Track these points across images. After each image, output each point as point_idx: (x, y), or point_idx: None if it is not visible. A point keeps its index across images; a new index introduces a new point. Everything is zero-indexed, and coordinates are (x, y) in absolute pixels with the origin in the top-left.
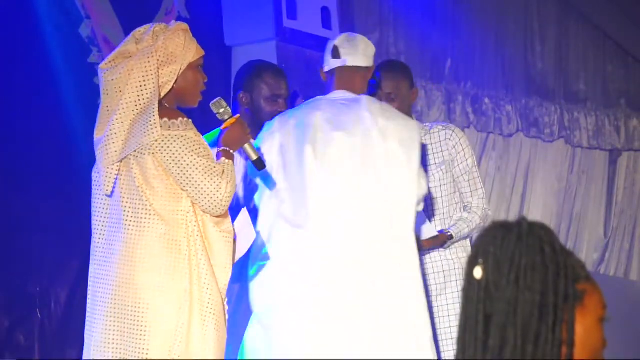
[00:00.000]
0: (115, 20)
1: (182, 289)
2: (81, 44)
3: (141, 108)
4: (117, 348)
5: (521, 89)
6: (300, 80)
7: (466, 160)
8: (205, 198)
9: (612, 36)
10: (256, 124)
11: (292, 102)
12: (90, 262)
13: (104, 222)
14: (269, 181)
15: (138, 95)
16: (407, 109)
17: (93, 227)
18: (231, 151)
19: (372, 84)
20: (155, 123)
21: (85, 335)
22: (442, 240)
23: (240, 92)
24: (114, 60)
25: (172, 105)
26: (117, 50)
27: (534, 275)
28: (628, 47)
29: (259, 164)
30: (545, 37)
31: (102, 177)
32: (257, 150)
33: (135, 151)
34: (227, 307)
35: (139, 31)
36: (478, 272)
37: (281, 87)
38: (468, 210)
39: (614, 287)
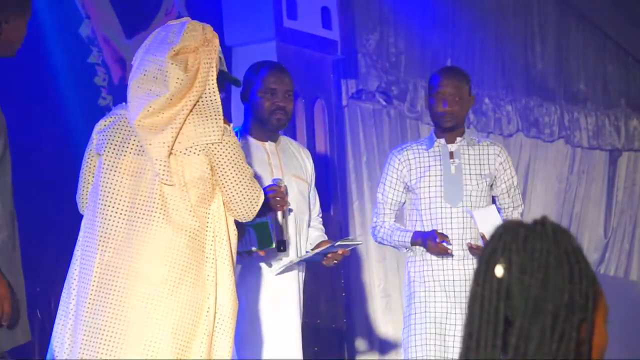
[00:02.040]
0: (115, 20)
1: (204, 295)
2: (81, 44)
3: (203, 105)
4: (121, 339)
5: (521, 89)
6: (299, 80)
7: (512, 177)
8: (248, 203)
9: (612, 36)
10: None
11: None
12: (100, 248)
13: (122, 211)
14: None
15: (202, 92)
16: (465, 113)
17: (103, 213)
18: None
19: (432, 85)
20: (221, 126)
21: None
22: None
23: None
24: (180, 53)
25: None
26: (180, 44)
27: (563, 274)
28: (628, 47)
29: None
30: (545, 37)
31: (161, 167)
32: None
33: (185, 148)
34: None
35: (192, 24)
36: (499, 271)
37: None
38: None
39: (614, 287)
